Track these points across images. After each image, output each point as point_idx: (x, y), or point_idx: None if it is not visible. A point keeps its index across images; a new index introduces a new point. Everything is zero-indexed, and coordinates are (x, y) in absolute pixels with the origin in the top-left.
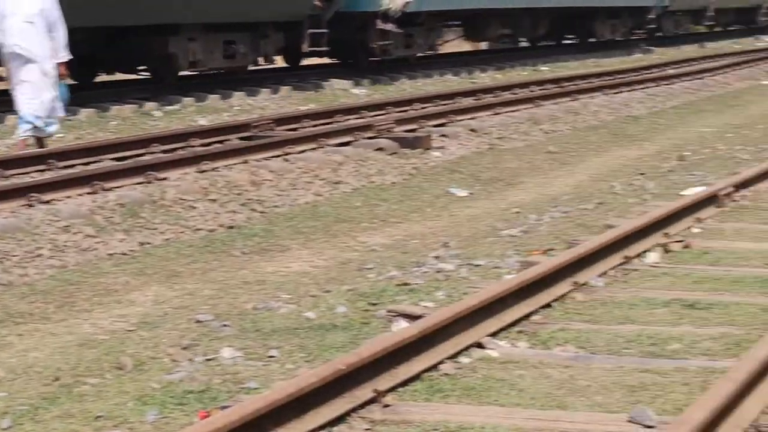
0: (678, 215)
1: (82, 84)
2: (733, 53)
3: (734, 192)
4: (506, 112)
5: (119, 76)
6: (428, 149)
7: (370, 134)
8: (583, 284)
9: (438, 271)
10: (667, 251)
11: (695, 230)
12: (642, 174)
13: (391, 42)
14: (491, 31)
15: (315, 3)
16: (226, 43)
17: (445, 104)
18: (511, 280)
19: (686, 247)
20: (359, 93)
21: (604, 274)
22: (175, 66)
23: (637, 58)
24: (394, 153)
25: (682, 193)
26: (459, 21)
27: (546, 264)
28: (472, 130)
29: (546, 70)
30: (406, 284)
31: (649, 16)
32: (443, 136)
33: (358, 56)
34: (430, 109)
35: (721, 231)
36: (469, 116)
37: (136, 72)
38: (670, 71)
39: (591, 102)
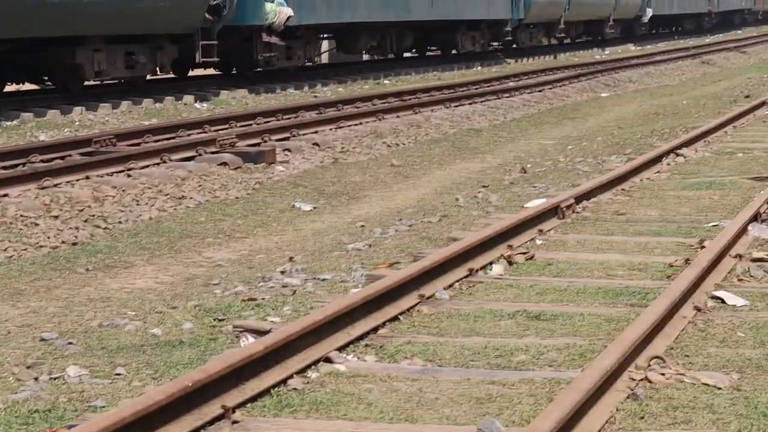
0: (521, 227)
1: None
2: (572, 66)
3: (575, 204)
4: (349, 125)
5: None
6: (272, 163)
7: (213, 149)
8: (429, 297)
9: (284, 286)
10: (511, 263)
11: (538, 242)
12: (485, 186)
13: (274, 54)
14: (362, 43)
15: (206, 16)
16: (127, 54)
17: (288, 118)
18: (358, 293)
19: (530, 258)
20: (201, 108)
21: (449, 286)
22: (81, 75)
23: (476, 71)
24: (238, 168)
25: (524, 205)
26: (332, 34)
27: (392, 277)
28: (316, 144)
29: (388, 83)
30: (252, 299)
31: (506, 29)
32: (287, 150)
33: (244, 67)
34: (273, 123)
35: (564, 242)
36: (312, 130)
37: (43, 82)
38: (510, 84)
39: (433, 115)
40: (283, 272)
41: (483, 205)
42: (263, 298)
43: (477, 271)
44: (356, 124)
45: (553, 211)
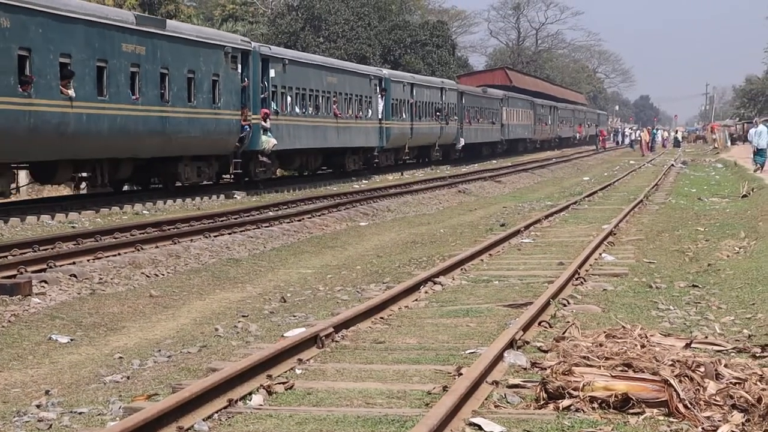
0: (280, 357)
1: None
2: (331, 195)
3: (334, 332)
4: (108, 256)
5: None
6: (28, 295)
7: None
8: (188, 429)
9: (40, 420)
10: (270, 393)
11: (298, 371)
12: (245, 316)
13: (264, 169)
14: (295, 162)
15: (236, 144)
16: (198, 167)
17: (44, 249)
18: (115, 427)
19: (290, 388)
20: None
21: (208, 418)
22: (178, 180)
23: (236, 201)
24: None
25: (284, 334)
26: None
27: (150, 410)
28: (73, 276)
29: (147, 213)
30: None
31: (375, 153)
32: (43, 281)
33: (246, 177)
34: (30, 254)
35: (323, 371)
36: (69, 261)
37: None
38: (270, 214)
39: (192, 245)
40: (38, 406)
41: (243, 335)
42: None
43: (236, 401)
44: (114, 255)
45: (312, 341)
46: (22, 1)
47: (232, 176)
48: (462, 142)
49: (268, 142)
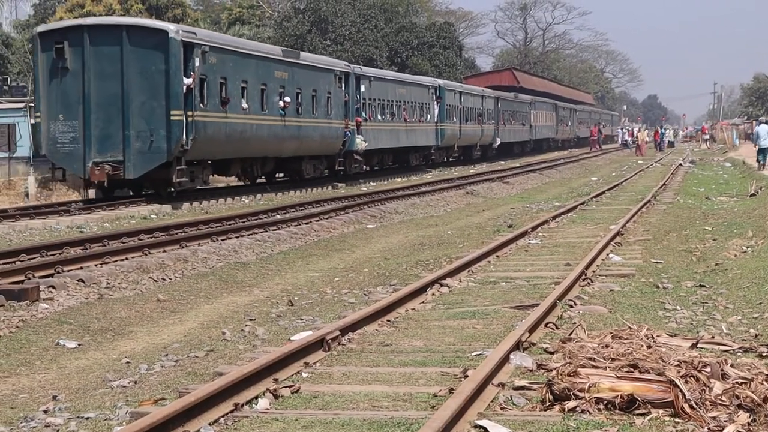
0: (287, 360)
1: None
2: (339, 198)
3: (341, 336)
4: (115, 261)
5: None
6: (36, 301)
7: None
8: None
9: (47, 426)
10: (277, 397)
11: (304, 375)
12: (252, 320)
13: (357, 165)
14: (375, 159)
15: (340, 147)
16: (314, 164)
17: (52, 255)
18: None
19: (296, 392)
20: None
21: (215, 422)
22: (302, 175)
23: (243, 205)
24: (1, 306)
25: (291, 338)
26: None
27: (156, 414)
28: (81, 281)
29: (155, 218)
30: None
31: (432, 151)
32: (51, 287)
33: (341, 171)
34: (37, 260)
35: (330, 375)
36: (77, 266)
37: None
38: (278, 217)
39: (200, 249)
40: (46, 411)
41: (250, 339)
42: None
43: (242, 405)
44: (122, 260)
45: (318, 344)
46: (222, 45)
47: (326, 171)
48: (498, 141)
49: (361, 143)
